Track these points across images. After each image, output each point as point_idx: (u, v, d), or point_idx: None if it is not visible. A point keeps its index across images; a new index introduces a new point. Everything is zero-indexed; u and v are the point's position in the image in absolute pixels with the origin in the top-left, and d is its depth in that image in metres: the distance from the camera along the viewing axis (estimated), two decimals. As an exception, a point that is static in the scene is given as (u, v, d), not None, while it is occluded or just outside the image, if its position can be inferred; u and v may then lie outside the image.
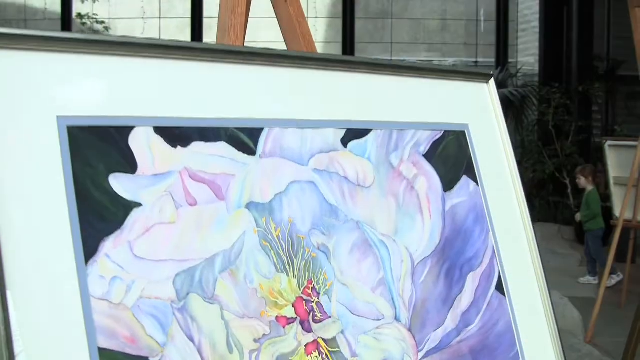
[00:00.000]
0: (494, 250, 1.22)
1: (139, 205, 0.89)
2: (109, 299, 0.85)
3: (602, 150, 4.86)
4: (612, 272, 5.46)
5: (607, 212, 5.34)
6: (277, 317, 0.97)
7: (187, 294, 0.90)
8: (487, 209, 1.22)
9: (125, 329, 0.85)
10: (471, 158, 1.24)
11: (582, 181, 5.38)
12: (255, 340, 0.94)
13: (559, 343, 1.23)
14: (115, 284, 0.86)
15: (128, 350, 0.84)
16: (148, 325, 0.87)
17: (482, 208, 1.22)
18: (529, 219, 1.24)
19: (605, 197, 5.51)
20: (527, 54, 8.70)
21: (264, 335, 0.95)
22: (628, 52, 8.87)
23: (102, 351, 0.83)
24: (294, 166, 1.02)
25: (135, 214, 0.89)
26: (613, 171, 4.75)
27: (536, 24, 8.26)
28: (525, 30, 8.87)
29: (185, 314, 0.90)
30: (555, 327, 1.23)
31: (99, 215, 0.87)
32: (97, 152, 0.89)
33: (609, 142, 4.85)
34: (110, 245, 0.86)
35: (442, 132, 1.21)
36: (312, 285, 1.01)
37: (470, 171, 1.23)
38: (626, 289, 5.33)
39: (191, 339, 0.89)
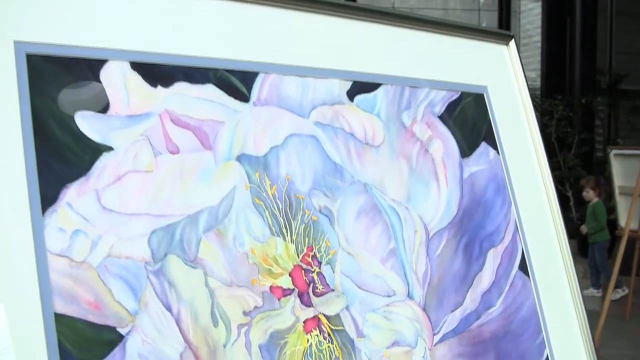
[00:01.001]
0: (516, 225, 1.07)
1: (110, 149, 0.74)
2: (69, 255, 0.70)
3: (607, 160, 4.70)
4: (618, 286, 5.27)
5: (611, 225, 5.17)
6: (271, 287, 0.81)
7: (165, 255, 0.75)
8: (508, 180, 1.08)
9: (88, 293, 0.70)
10: (491, 124, 1.09)
11: (590, 193, 5.22)
12: (245, 313, 0.79)
13: (588, 333, 1.08)
14: (78, 238, 0.71)
15: (91, 318, 0.69)
16: (116, 289, 0.72)
17: (503, 178, 1.08)
18: (554, 192, 1.10)
19: (610, 210, 5.34)
20: (528, 68, 8.57)
21: (255, 307, 0.79)
22: (630, 66, 8.79)
23: (59, 318, 0.67)
24: (293, 117, 0.88)
25: (104, 158, 0.74)
26: (618, 180, 4.59)
27: (538, 38, 8.14)
28: (527, 45, 8.76)
29: (162, 278, 0.74)
30: (584, 314, 1.08)
31: (61, 158, 0.72)
32: (61, 86, 0.74)
33: (614, 152, 4.70)
34: (73, 194, 0.72)
35: (459, 93, 1.06)
36: (312, 253, 0.86)
37: (490, 138, 1.08)
38: (631, 301, 5.15)
39: (168, 308, 0.74)
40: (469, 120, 1.06)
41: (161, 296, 0.73)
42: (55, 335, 0.66)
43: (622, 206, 4.34)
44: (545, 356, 1.04)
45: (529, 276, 1.06)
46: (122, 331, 0.70)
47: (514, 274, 1.04)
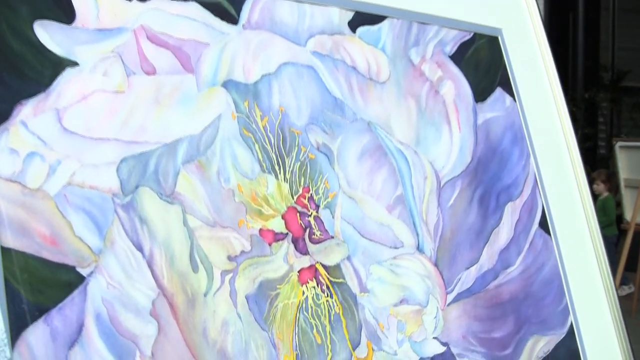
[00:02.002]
0: (535, 179, 0.96)
1: (74, 64, 0.63)
2: (22, 181, 0.58)
3: (612, 153, 4.59)
4: (624, 283, 5.14)
5: (617, 219, 5.04)
6: (260, 230, 0.70)
7: (136, 186, 0.64)
8: (526, 131, 0.96)
9: (44, 225, 0.58)
10: (506, 69, 0.98)
11: (600, 187, 5.06)
12: (230, 258, 0.67)
13: (615, 299, 0.97)
14: (33, 162, 0.59)
15: (45, 255, 0.57)
16: (77, 222, 0.60)
17: (521, 128, 0.96)
18: (575, 145, 0.98)
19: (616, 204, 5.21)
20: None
21: (242, 252, 0.68)
22: (632, 63, 8.66)
23: (7, 252, 0.55)
24: (288, 44, 0.77)
25: (68, 74, 0.62)
26: (624, 173, 4.47)
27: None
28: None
29: (132, 213, 0.63)
30: (610, 278, 0.97)
31: (15, 71, 0.60)
32: (17, -9, 0.64)
33: (619, 144, 4.58)
34: (29, 111, 0.60)
35: (472, 34, 0.95)
36: (309, 195, 0.74)
37: (505, 84, 0.97)
38: (637, 297, 5.02)
39: (139, 248, 0.62)
40: (482, 63, 0.94)
41: (131, 234, 0.61)
42: (1, 272, 0.55)
43: (628, 199, 4.22)
44: (569, 323, 0.92)
45: (550, 235, 0.94)
46: (83, 272, 0.58)
47: (534, 232, 0.92)
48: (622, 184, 4.30)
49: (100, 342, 0.58)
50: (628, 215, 4.15)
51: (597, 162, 6.97)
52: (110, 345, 0.58)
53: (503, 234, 0.88)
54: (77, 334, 0.57)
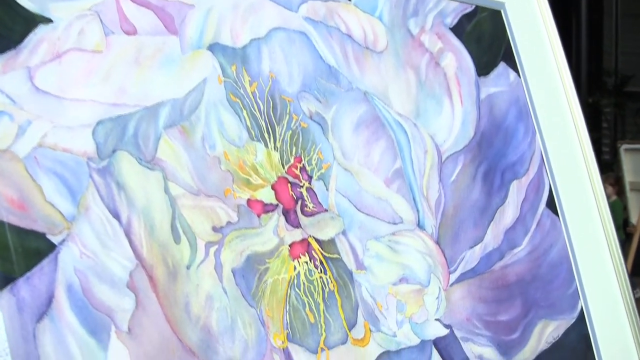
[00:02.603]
0: (542, 157, 0.90)
1: (48, 20, 0.58)
2: (-13, 141, 0.54)
3: (617, 156, 4.52)
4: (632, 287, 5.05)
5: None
6: (248, 200, 0.65)
7: (114, 151, 0.59)
8: (532, 107, 0.91)
9: (11, 188, 0.53)
10: (509, 43, 0.93)
11: (608, 190, 4.97)
12: (215, 229, 0.62)
13: (627, 284, 0.91)
14: (1, 122, 0.53)
15: (13, 220, 0.52)
16: (48, 186, 0.55)
17: (526, 104, 0.91)
18: (582, 120, 0.93)
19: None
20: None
21: (228, 223, 0.63)
22: (636, 68, 8.58)
23: (-30, 217, 0.52)
24: (279, 9, 0.72)
25: (41, 31, 0.58)
26: (629, 176, 4.39)
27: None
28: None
29: (109, 179, 0.58)
30: (622, 262, 0.91)
31: (-17, 27, 0.57)
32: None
33: (624, 146, 4.51)
34: (-3, 69, 0.56)
35: (474, 6, 0.91)
36: (301, 165, 0.69)
37: (509, 59, 0.92)
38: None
39: (116, 215, 0.57)
40: (485, 36, 0.89)
41: (107, 200, 0.57)
42: (-38, 237, 0.50)
43: (634, 202, 4.14)
44: (579, 308, 0.86)
45: (558, 216, 0.89)
46: (54, 239, 0.53)
47: (541, 212, 0.87)
48: (627, 187, 4.24)
49: (71, 315, 0.52)
50: (634, 218, 4.08)
51: (601, 167, 6.89)
52: (83, 318, 0.53)
53: (509, 212, 0.82)
54: (46, 306, 0.52)
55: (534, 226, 0.84)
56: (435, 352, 0.71)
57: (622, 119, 7.75)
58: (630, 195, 4.19)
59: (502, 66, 0.89)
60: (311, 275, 0.64)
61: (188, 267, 0.58)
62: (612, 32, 7.88)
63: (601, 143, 7.11)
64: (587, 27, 6.86)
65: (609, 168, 6.08)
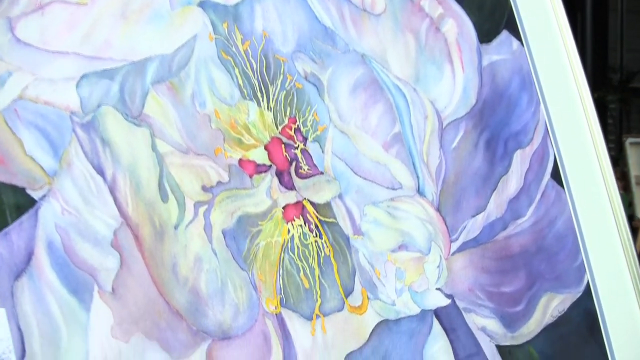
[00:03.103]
0: (546, 128, 0.87)
1: (30, -29, 0.57)
2: (-36, 92, 0.52)
3: (623, 149, 4.47)
4: (634, 282, 4.99)
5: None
6: (240, 160, 0.62)
7: (98, 105, 0.56)
8: (535, 76, 0.88)
9: (-11, 141, 0.51)
10: (512, 12, 0.90)
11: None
12: (205, 189, 0.59)
13: (634, 259, 0.88)
14: (-22, 72, 0.53)
15: (-10, 174, 0.51)
16: (29, 140, 0.52)
17: (529, 73, 0.88)
18: (587, 91, 0.90)
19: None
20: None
21: (219, 182, 0.60)
22: (641, 64, 8.51)
23: (-55, 169, 0.49)
24: (273, -32, 0.70)
25: (21, -18, 0.56)
26: (634, 170, 4.35)
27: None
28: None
29: (93, 134, 0.55)
30: (629, 236, 0.88)
31: (-39, -25, 0.55)
32: None
33: (629, 140, 4.46)
34: (-25, 18, 0.54)
35: (475, -26, 0.88)
36: (295, 126, 0.66)
37: (512, 27, 0.89)
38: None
39: (100, 172, 0.55)
40: (487, 3, 0.86)
41: (91, 156, 0.54)
42: (-64, 190, 0.48)
43: (639, 196, 4.09)
44: (585, 282, 0.83)
45: (563, 187, 0.86)
46: (34, 194, 0.51)
47: (546, 183, 0.84)
48: (632, 181, 4.18)
49: (52, 273, 0.50)
50: (639, 212, 4.02)
51: (606, 163, 6.82)
52: (64, 277, 0.50)
53: (512, 182, 0.79)
54: (25, 263, 0.49)
55: (538, 197, 0.81)
56: (436, 323, 0.68)
57: (628, 115, 7.68)
58: (637, 190, 4.13)
59: (504, 34, 0.86)
60: (306, 239, 0.61)
61: (176, 227, 0.55)
62: (617, 28, 7.81)
63: (607, 139, 7.04)
64: (592, 23, 6.80)
65: (615, 164, 6.03)
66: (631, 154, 4.23)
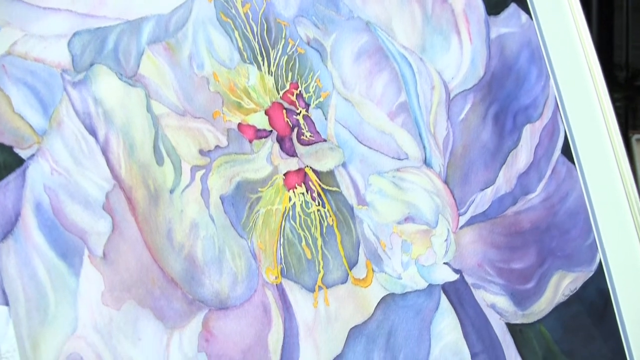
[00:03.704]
0: (556, 102, 0.84)
1: None
2: (-52, 46, 0.48)
3: (630, 146, 4.41)
4: None
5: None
6: (240, 125, 0.58)
7: (91, 64, 0.53)
8: (544, 50, 0.84)
9: (-26, 97, 0.48)
10: (521, -15, 0.87)
11: None
12: (203, 153, 0.56)
13: (649, 240, 0.84)
14: (-36, 26, 0.50)
15: (-25, 130, 0.47)
16: (18, 97, 0.49)
17: (538, 47, 0.84)
18: (598, 66, 0.86)
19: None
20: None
21: (217, 147, 0.56)
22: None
23: None
24: None
25: None
26: (640, 167, 4.29)
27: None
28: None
29: (85, 93, 0.52)
30: (644, 216, 0.84)
31: None
32: None
33: (636, 136, 4.40)
34: (-39, -29, 0.51)
35: (483, -54, 0.84)
36: (297, 91, 0.63)
37: (520, 0, 0.86)
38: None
39: (92, 132, 0.51)
40: (495, -25, 0.83)
41: (82, 115, 0.50)
42: None
43: (644, 193, 4.03)
44: (597, 261, 0.79)
45: (574, 164, 0.82)
46: (22, 154, 0.47)
47: (556, 159, 0.80)
48: None
49: (39, 235, 0.46)
50: (644, 209, 3.97)
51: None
52: (52, 240, 0.47)
53: (522, 156, 0.75)
54: (11, 225, 0.46)
55: (548, 172, 0.77)
56: (444, 299, 0.64)
57: (634, 112, 7.60)
58: (641, 186, 4.07)
59: (513, 7, 0.82)
60: (308, 208, 0.58)
61: (171, 192, 0.52)
62: (623, 26, 7.73)
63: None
64: (597, 21, 6.74)
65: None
66: (638, 150, 4.17)
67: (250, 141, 0.56)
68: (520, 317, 0.68)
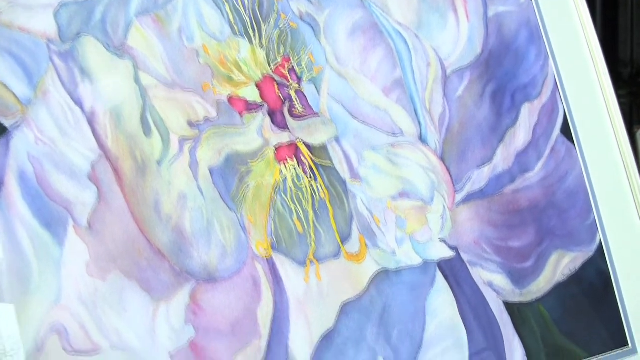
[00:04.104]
0: (555, 82, 0.81)
1: None
2: None
3: (634, 141, 4.35)
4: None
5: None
6: (230, 97, 0.56)
7: (78, 34, 0.52)
8: (543, 30, 0.82)
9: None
10: (520, -35, 0.84)
11: None
12: (192, 124, 0.54)
13: (651, 221, 0.81)
14: (-52, -5, 0.48)
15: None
16: (2, 66, 0.46)
17: (537, 27, 0.82)
18: (598, 46, 0.83)
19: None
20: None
21: (206, 119, 0.54)
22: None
23: None
24: None
25: None
26: (645, 161, 4.23)
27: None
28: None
29: (72, 63, 0.50)
30: (645, 197, 0.81)
31: None
32: None
33: None
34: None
35: None
36: (289, 65, 0.61)
37: (519, -20, 0.83)
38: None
39: (78, 103, 0.49)
40: (493, -46, 0.80)
41: (69, 86, 0.49)
42: None
43: (649, 187, 3.97)
44: (597, 241, 0.77)
45: (574, 144, 0.79)
46: (6, 122, 0.46)
47: (556, 138, 0.77)
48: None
49: (23, 204, 0.45)
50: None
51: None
52: (36, 209, 0.45)
53: (520, 135, 0.73)
54: (-6, 194, 0.45)
55: (547, 151, 0.74)
56: (439, 276, 0.62)
57: (638, 109, 7.51)
58: (646, 180, 4.01)
59: (511, -14, 0.80)
60: (299, 181, 0.56)
61: (159, 163, 0.50)
62: (628, 22, 7.64)
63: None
64: (602, 17, 6.66)
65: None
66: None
67: (241, 114, 0.54)
68: (518, 296, 0.66)
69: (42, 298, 0.44)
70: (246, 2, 0.57)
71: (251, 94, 0.55)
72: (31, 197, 0.45)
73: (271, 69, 0.56)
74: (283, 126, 0.56)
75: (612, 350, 0.71)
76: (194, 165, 0.51)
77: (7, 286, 0.43)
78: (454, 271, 0.62)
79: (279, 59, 0.57)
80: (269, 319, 0.51)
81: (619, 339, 0.72)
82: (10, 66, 0.47)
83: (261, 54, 0.56)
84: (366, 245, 0.57)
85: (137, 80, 0.50)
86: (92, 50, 0.49)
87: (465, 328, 0.60)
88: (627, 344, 0.72)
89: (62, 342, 0.45)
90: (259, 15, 0.57)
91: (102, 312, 0.45)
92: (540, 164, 0.73)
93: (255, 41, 0.56)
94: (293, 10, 0.59)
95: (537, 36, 0.78)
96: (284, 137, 0.55)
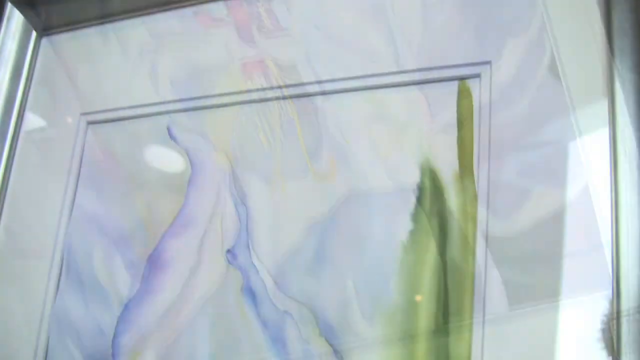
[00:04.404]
0: (543, 19, 0.77)
1: None
2: None
3: None
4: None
5: None
6: (195, 13, 0.55)
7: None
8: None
9: None
10: None
11: None
12: (153, 36, 0.52)
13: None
14: None
15: None
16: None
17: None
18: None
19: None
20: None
21: (167, 31, 0.53)
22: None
23: None
24: None
25: None
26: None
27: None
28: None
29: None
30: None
31: None
32: None
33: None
34: None
35: None
36: (260, -20, 0.59)
37: None
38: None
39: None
40: None
41: None
42: None
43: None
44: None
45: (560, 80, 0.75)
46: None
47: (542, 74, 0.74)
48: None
49: None
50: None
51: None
52: None
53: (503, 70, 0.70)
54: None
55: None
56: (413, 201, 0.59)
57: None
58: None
59: None
60: (266, 98, 0.54)
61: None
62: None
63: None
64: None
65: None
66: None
67: (205, 27, 0.52)
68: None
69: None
70: None
71: (216, 10, 0.53)
72: None
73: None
74: (250, 40, 0.53)
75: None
76: (154, 76, 0.49)
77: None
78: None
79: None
80: (233, 233, 0.49)
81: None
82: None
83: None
84: (336, 166, 0.55)
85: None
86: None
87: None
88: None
89: None
90: None
91: None
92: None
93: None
94: None
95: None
96: (250, 53, 0.53)
